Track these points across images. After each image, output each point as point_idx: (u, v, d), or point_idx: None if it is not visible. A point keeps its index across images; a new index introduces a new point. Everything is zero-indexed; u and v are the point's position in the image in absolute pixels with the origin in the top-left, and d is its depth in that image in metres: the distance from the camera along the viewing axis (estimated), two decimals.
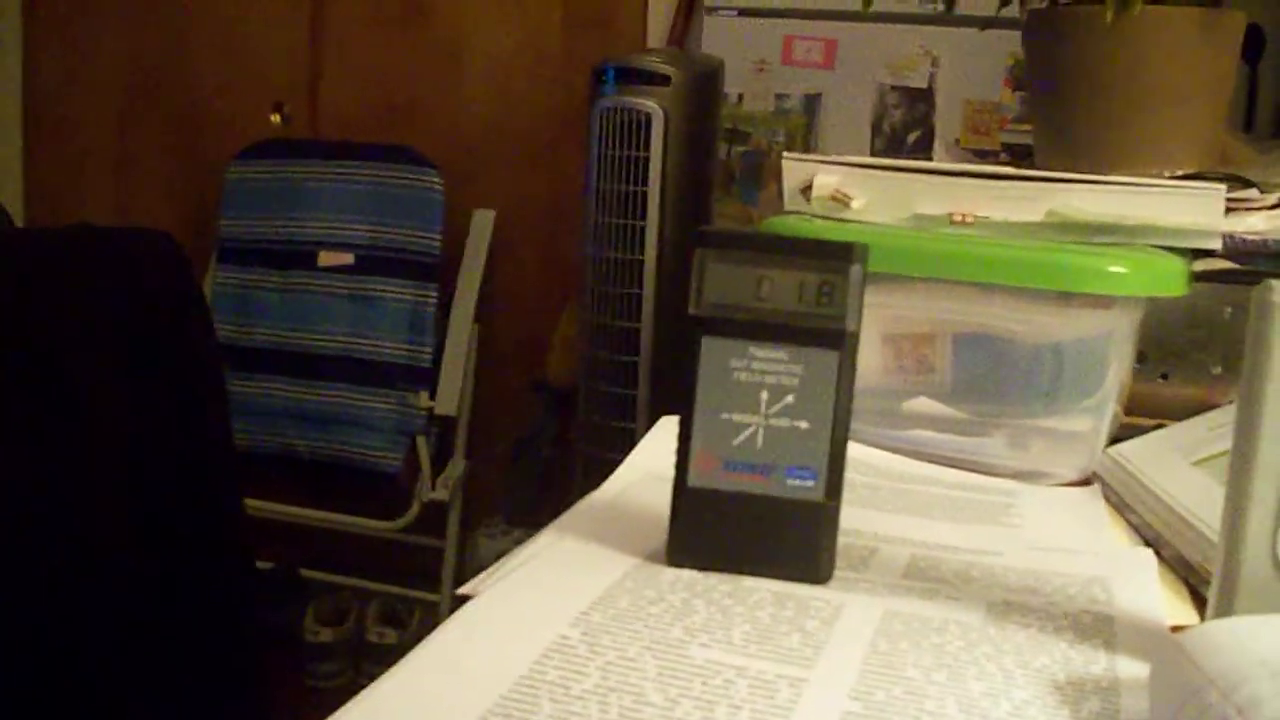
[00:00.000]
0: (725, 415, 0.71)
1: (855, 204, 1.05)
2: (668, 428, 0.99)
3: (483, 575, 0.70)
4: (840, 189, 1.05)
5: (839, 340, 0.70)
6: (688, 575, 0.72)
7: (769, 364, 0.70)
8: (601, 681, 0.58)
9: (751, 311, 0.70)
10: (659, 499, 0.77)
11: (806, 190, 1.06)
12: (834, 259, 0.70)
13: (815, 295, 0.70)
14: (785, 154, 1.08)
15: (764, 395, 0.70)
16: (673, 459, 0.73)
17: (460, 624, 0.63)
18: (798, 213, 1.07)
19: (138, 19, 3.66)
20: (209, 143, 3.59)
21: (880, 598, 0.70)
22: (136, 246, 2.12)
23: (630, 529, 0.78)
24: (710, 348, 0.71)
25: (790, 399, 0.70)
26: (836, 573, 0.73)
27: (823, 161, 1.07)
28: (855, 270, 0.70)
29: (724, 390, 0.71)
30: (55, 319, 1.94)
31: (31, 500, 1.87)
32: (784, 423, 0.70)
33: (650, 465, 0.92)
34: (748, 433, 0.71)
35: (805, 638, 0.64)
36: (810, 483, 0.71)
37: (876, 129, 2.94)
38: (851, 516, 0.74)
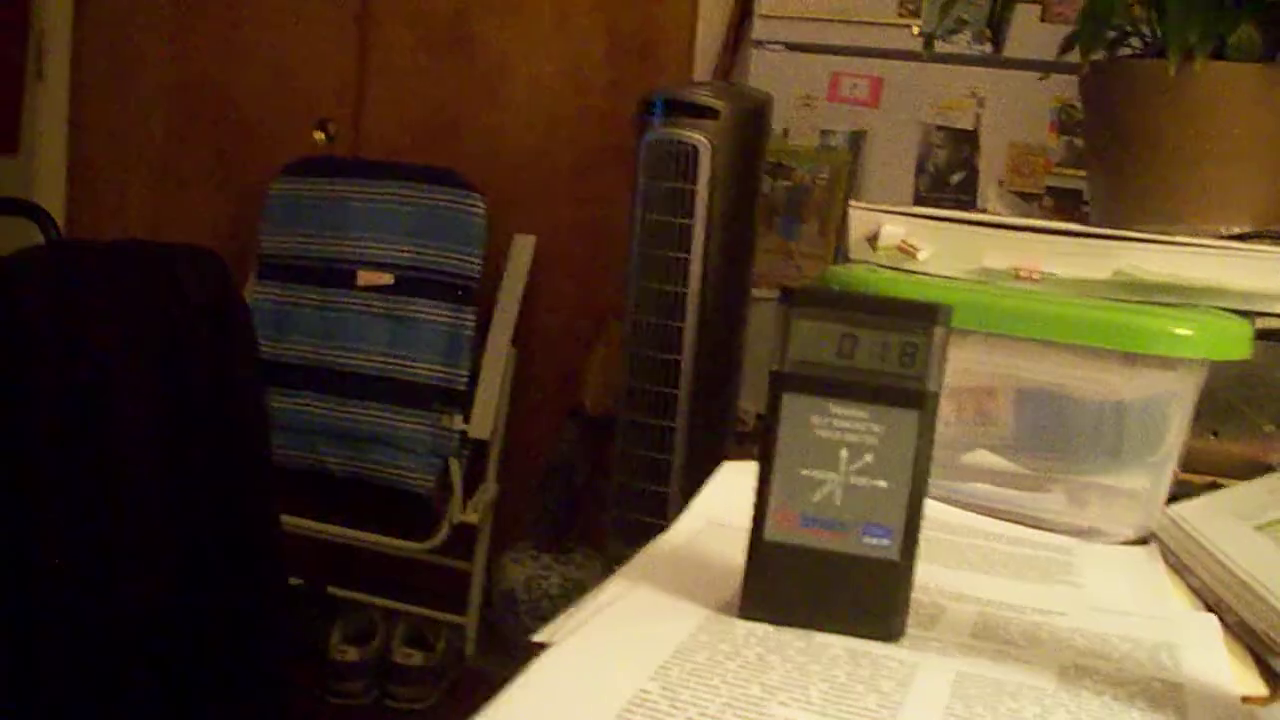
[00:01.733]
0: (805, 471, 0.71)
1: (921, 255, 1.05)
2: (730, 474, 0.99)
3: (557, 622, 0.70)
4: (907, 240, 1.05)
5: (920, 401, 0.70)
6: (761, 629, 0.72)
7: (850, 422, 0.71)
8: None
9: (834, 369, 0.71)
10: (727, 548, 0.77)
11: (872, 239, 1.07)
12: (917, 319, 0.70)
13: (898, 355, 0.70)
14: (852, 203, 1.08)
15: (844, 453, 0.71)
16: (739, 507, 0.74)
17: (541, 674, 0.64)
18: (864, 262, 1.07)
19: (185, 34, 3.69)
20: (252, 158, 3.62)
21: (952, 658, 0.71)
22: (184, 262, 2.14)
23: (700, 578, 0.78)
24: (792, 404, 0.71)
25: (869, 458, 0.71)
26: (907, 631, 0.73)
27: (890, 211, 1.07)
28: (939, 332, 0.70)
29: (804, 446, 0.71)
30: (101, 331, 1.95)
31: (69, 509, 1.88)
32: (863, 481, 0.71)
33: (714, 512, 0.92)
34: (826, 489, 0.71)
35: (882, 699, 0.64)
36: (886, 541, 0.71)
37: (920, 168, 2.94)
38: (916, 571, 0.74)
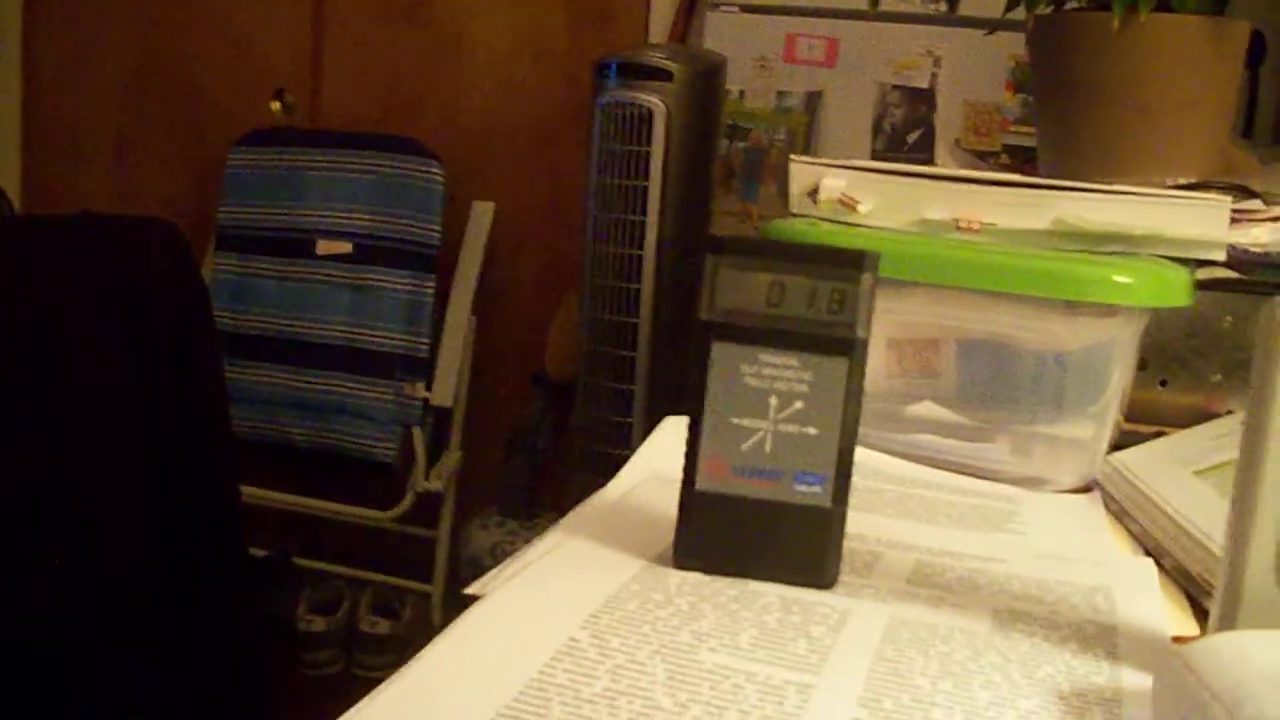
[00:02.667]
0: (735, 420, 0.71)
1: (862, 208, 1.05)
2: (672, 428, 0.99)
3: (490, 574, 0.70)
4: (847, 193, 1.05)
5: (849, 348, 0.70)
6: (694, 578, 0.72)
7: (779, 370, 0.71)
8: (611, 685, 0.58)
9: (762, 318, 0.71)
10: (665, 500, 0.77)
11: (813, 193, 1.07)
12: (846, 267, 0.70)
13: (826, 303, 0.70)
14: (793, 157, 1.08)
15: (773, 401, 0.71)
16: (679, 461, 0.74)
17: (470, 625, 0.64)
18: (804, 216, 1.07)
19: (140, 6, 3.66)
20: (209, 129, 3.59)
21: (886, 604, 0.71)
22: (139, 235, 2.13)
23: (636, 530, 0.78)
24: (721, 353, 0.71)
25: (799, 405, 0.71)
26: (841, 578, 0.74)
27: (830, 165, 1.07)
28: (867, 279, 0.70)
29: (734, 395, 0.71)
30: (57, 306, 1.94)
31: (30, 484, 1.87)
32: (793, 429, 0.71)
33: (655, 466, 0.92)
34: (756, 438, 0.71)
35: (812, 643, 0.64)
36: (818, 488, 0.71)
37: (877, 128, 2.94)
38: (855, 521, 0.74)
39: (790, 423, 0.71)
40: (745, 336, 0.71)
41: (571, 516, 0.81)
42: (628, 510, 0.84)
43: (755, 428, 0.71)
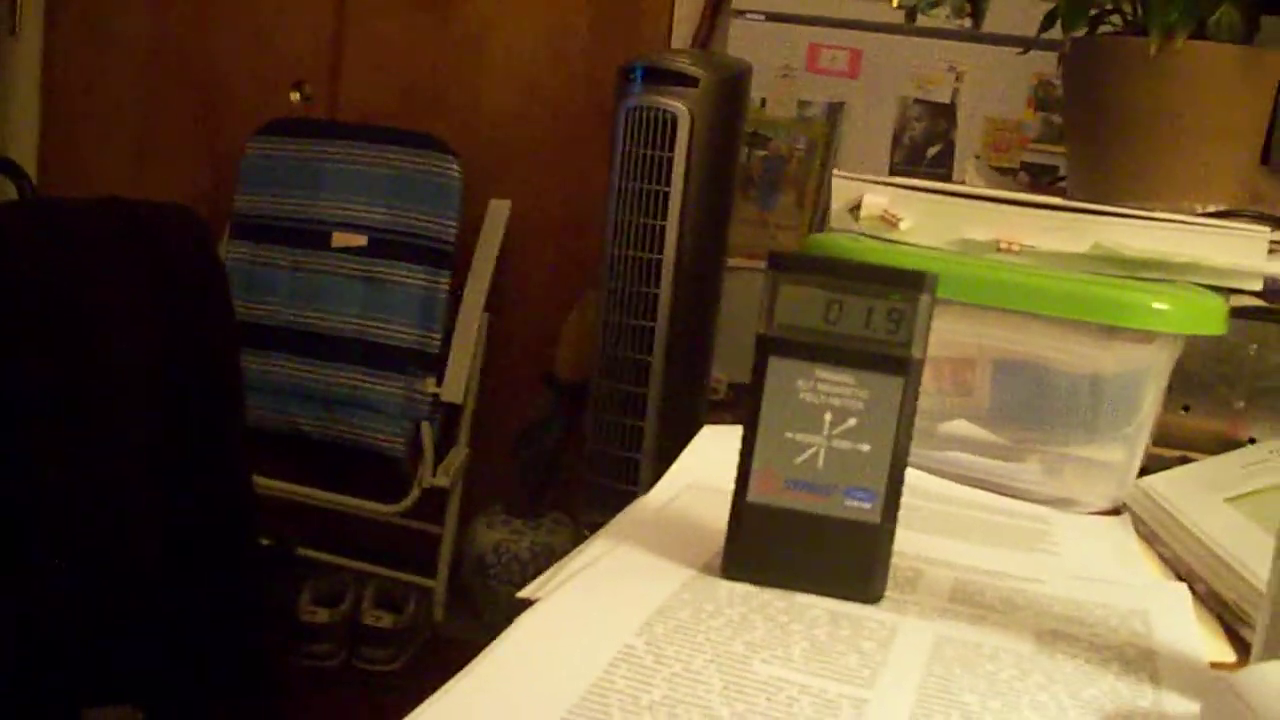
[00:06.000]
0: (788, 434, 0.72)
1: (903, 225, 1.06)
2: (711, 439, 1.00)
3: (542, 579, 0.71)
4: (889, 210, 1.06)
5: (905, 367, 0.71)
6: (743, 589, 0.73)
7: (834, 386, 0.72)
8: (669, 693, 0.59)
9: (820, 334, 0.72)
10: (708, 509, 0.78)
11: (854, 209, 1.08)
12: (904, 287, 0.71)
13: (883, 321, 0.71)
14: (835, 172, 1.09)
15: (828, 417, 0.72)
16: (719, 470, 0.75)
17: (527, 629, 0.65)
18: (845, 231, 1.08)
19: None
20: (227, 118, 3.60)
21: (930, 621, 0.72)
22: (161, 219, 2.13)
23: (682, 539, 0.79)
24: (777, 368, 0.72)
25: (853, 422, 0.72)
26: (886, 593, 0.74)
27: (873, 181, 1.08)
28: (924, 299, 0.71)
29: (788, 410, 0.72)
30: (79, 287, 1.95)
31: (45, 466, 1.88)
32: (846, 445, 0.72)
33: (695, 475, 0.93)
34: (810, 452, 0.72)
35: (863, 658, 0.65)
36: (868, 504, 0.72)
37: (897, 141, 2.95)
38: (895, 536, 0.75)
39: (844, 439, 0.72)
40: (802, 352, 0.72)
41: (615, 523, 0.82)
42: (672, 519, 0.84)
43: (809, 442, 0.72)
